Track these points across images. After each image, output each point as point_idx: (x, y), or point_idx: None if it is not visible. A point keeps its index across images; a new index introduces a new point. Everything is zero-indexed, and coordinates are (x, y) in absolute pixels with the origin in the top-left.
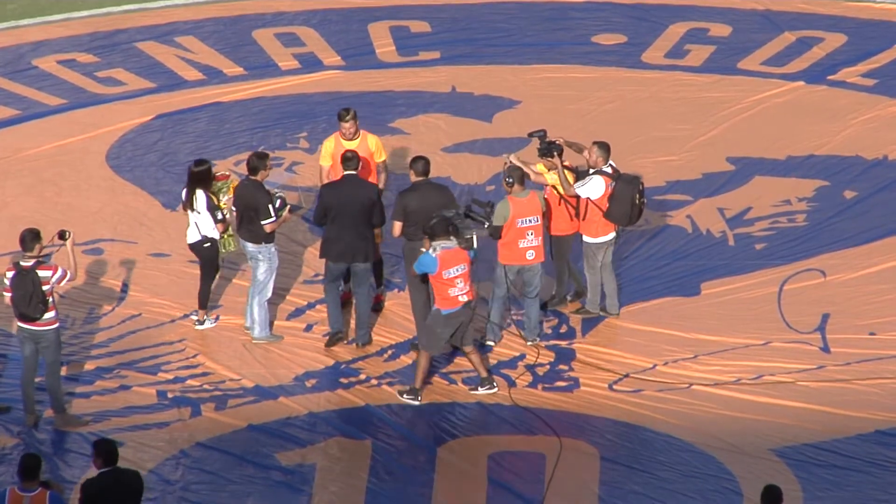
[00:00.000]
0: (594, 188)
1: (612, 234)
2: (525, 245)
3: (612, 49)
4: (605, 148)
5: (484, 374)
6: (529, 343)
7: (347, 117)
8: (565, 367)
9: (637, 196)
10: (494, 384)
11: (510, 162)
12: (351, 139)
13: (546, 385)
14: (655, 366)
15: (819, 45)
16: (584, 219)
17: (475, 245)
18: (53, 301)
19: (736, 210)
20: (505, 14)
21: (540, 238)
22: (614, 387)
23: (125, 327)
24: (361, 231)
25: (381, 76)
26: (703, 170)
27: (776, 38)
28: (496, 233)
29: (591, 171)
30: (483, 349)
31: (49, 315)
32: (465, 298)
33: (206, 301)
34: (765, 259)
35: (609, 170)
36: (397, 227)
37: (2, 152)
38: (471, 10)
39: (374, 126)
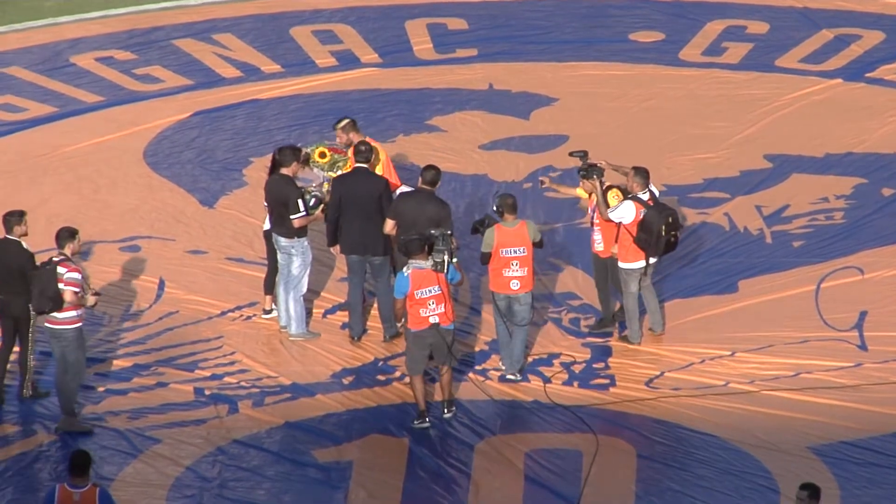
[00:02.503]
0: (625, 213)
1: (644, 262)
2: (510, 275)
3: (649, 46)
4: (642, 174)
5: (446, 395)
6: (509, 377)
7: (338, 126)
8: (601, 365)
9: (664, 227)
10: (454, 408)
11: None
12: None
13: (582, 382)
14: (692, 363)
15: (857, 42)
16: (617, 242)
17: (445, 269)
18: (82, 298)
19: (773, 208)
20: (542, 11)
21: (526, 269)
22: (651, 384)
23: (162, 324)
24: (373, 223)
25: (418, 73)
26: (741, 167)
27: (814, 35)
28: (483, 259)
29: (629, 195)
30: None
31: (68, 314)
32: (434, 319)
33: (269, 288)
34: (802, 257)
35: (646, 196)
36: (389, 224)
37: (40, 149)
38: (508, 7)
39: (411, 123)
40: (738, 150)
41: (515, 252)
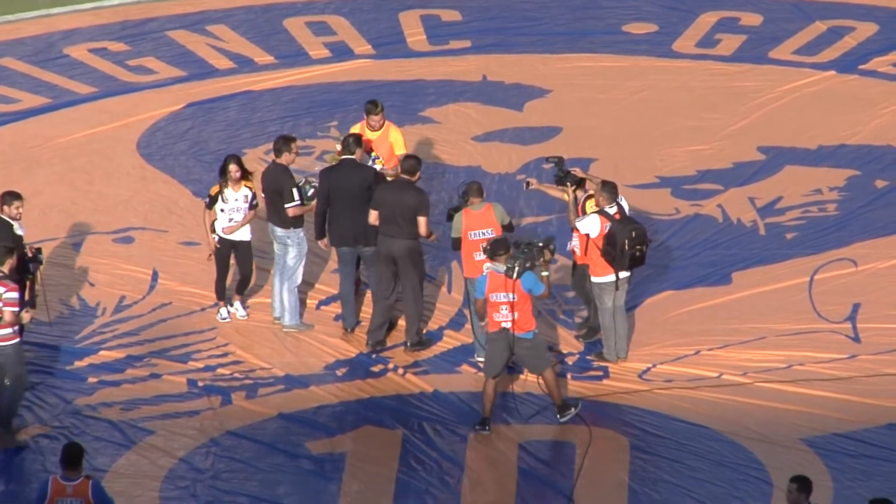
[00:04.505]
0: (589, 226)
1: (614, 277)
2: (480, 258)
3: (642, 38)
4: (609, 189)
5: (556, 399)
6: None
7: (377, 111)
8: (595, 357)
9: (627, 242)
10: (570, 411)
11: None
12: (377, 130)
13: (576, 374)
14: (685, 355)
15: (850, 34)
16: (584, 254)
17: (515, 275)
18: (18, 317)
19: (767, 199)
20: (535, 3)
21: None
22: (644, 376)
23: (155, 316)
24: (363, 214)
25: (411, 65)
26: (734, 159)
27: (807, 27)
28: (454, 245)
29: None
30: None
31: (6, 331)
32: (507, 325)
33: (221, 294)
34: (795, 248)
35: (613, 209)
36: (373, 215)
37: (33, 140)
38: None
39: (405, 115)
40: (732, 142)
41: (483, 234)
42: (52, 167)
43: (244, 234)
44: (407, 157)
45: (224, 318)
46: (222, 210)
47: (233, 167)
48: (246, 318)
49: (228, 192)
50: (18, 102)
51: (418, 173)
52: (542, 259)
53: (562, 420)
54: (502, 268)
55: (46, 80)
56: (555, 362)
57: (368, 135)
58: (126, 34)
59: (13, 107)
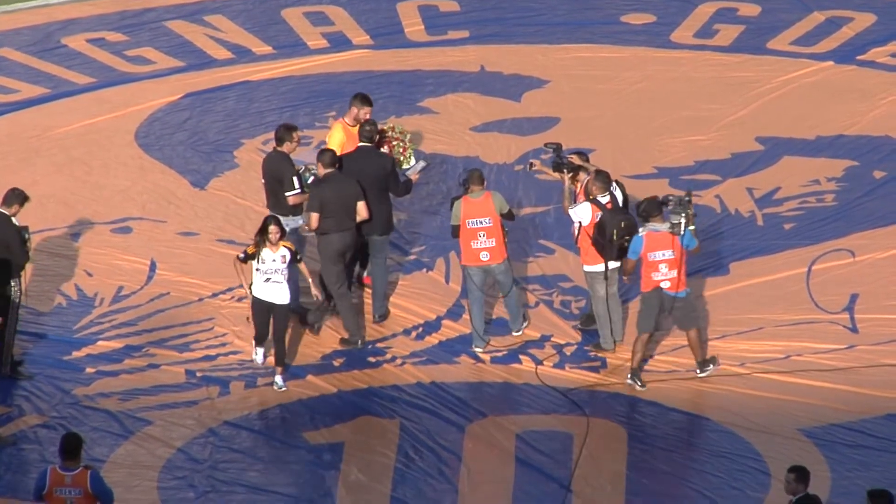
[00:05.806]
0: (581, 214)
1: (604, 266)
2: (478, 246)
3: (641, 29)
4: (602, 178)
5: (698, 357)
6: (515, 333)
7: (370, 103)
8: (592, 348)
9: (616, 232)
10: (710, 366)
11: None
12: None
13: (573, 365)
14: (683, 346)
15: (848, 24)
16: (576, 242)
17: (682, 231)
18: None
19: (765, 190)
20: None
21: (494, 239)
22: (642, 367)
23: (154, 306)
24: (378, 202)
25: (409, 55)
26: (732, 150)
27: (805, 17)
28: (453, 232)
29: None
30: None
31: None
32: (666, 284)
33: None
34: (793, 239)
35: (605, 199)
36: (314, 218)
37: (31, 131)
38: None
39: (403, 105)
40: (730, 133)
41: (481, 223)
42: (51, 157)
43: (283, 297)
44: (323, 150)
45: (259, 362)
46: (258, 269)
47: (273, 228)
48: (285, 388)
49: (266, 252)
50: (17, 93)
51: (337, 164)
52: (691, 213)
53: (700, 374)
54: (660, 226)
55: (45, 70)
56: (702, 324)
57: (351, 130)
58: (124, 24)
59: (11, 97)
